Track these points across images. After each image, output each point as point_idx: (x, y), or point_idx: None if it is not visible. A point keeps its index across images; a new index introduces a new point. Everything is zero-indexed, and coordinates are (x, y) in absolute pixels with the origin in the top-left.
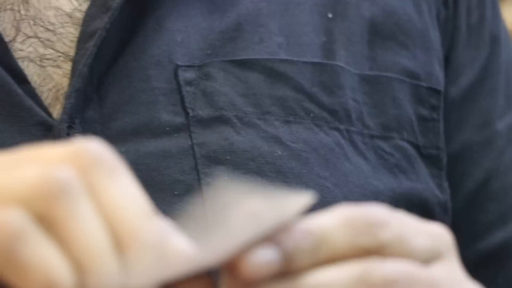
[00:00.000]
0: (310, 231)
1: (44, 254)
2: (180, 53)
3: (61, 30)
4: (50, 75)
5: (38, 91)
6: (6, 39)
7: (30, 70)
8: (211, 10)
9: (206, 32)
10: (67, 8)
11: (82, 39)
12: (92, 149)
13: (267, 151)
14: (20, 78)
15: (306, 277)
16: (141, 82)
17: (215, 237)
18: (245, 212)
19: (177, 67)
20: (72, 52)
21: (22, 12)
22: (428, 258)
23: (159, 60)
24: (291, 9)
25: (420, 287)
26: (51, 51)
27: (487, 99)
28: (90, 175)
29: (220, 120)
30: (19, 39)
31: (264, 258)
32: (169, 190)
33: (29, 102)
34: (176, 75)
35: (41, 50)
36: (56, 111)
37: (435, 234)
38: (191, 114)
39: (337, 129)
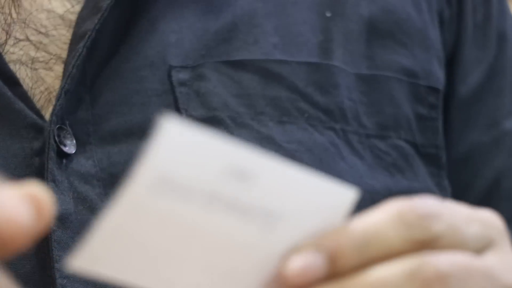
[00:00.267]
0: (354, 230)
1: None
2: (174, 54)
3: (54, 32)
4: (42, 77)
5: (30, 93)
6: None
7: (22, 73)
8: (206, 10)
9: (201, 33)
10: (60, 10)
11: (74, 41)
12: None
13: None
14: (11, 81)
15: (355, 278)
16: (134, 83)
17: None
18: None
19: (171, 68)
20: (64, 54)
21: (13, 15)
22: (481, 247)
23: (152, 61)
24: (288, 8)
25: (475, 279)
26: (43, 53)
27: (494, 99)
28: None
29: (214, 121)
30: (10, 42)
31: (307, 262)
32: None
33: (20, 104)
34: (169, 76)
35: (33, 53)
36: (49, 113)
37: (487, 221)
38: (184, 114)
39: (332, 129)
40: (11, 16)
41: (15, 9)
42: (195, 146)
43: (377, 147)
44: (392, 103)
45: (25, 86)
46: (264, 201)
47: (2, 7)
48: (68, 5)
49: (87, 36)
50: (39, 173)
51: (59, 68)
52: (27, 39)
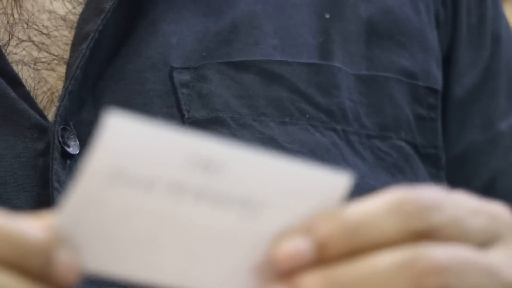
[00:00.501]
0: (346, 215)
1: None
2: (175, 55)
3: (55, 33)
4: (45, 78)
5: (32, 94)
6: (0, 43)
7: (25, 74)
8: (206, 12)
9: (202, 34)
10: (61, 11)
11: (76, 42)
12: None
13: None
14: (14, 81)
15: (344, 266)
16: (136, 84)
17: None
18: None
19: (172, 69)
20: (66, 55)
21: (16, 16)
22: (486, 241)
23: (154, 62)
24: (287, 10)
25: (474, 274)
26: (46, 54)
27: (489, 100)
28: None
29: (216, 122)
30: (12, 42)
31: (295, 247)
32: None
33: (23, 105)
34: (171, 77)
35: (35, 53)
36: (51, 114)
37: (494, 214)
38: (186, 116)
39: (334, 130)
40: (13, 17)
41: (17, 10)
42: (151, 140)
43: (378, 148)
44: (392, 104)
45: (27, 87)
46: (239, 190)
47: (5, 8)
48: (70, 6)
49: (90, 37)
50: (44, 173)
51: (61, 69)
52: (30, 39)
